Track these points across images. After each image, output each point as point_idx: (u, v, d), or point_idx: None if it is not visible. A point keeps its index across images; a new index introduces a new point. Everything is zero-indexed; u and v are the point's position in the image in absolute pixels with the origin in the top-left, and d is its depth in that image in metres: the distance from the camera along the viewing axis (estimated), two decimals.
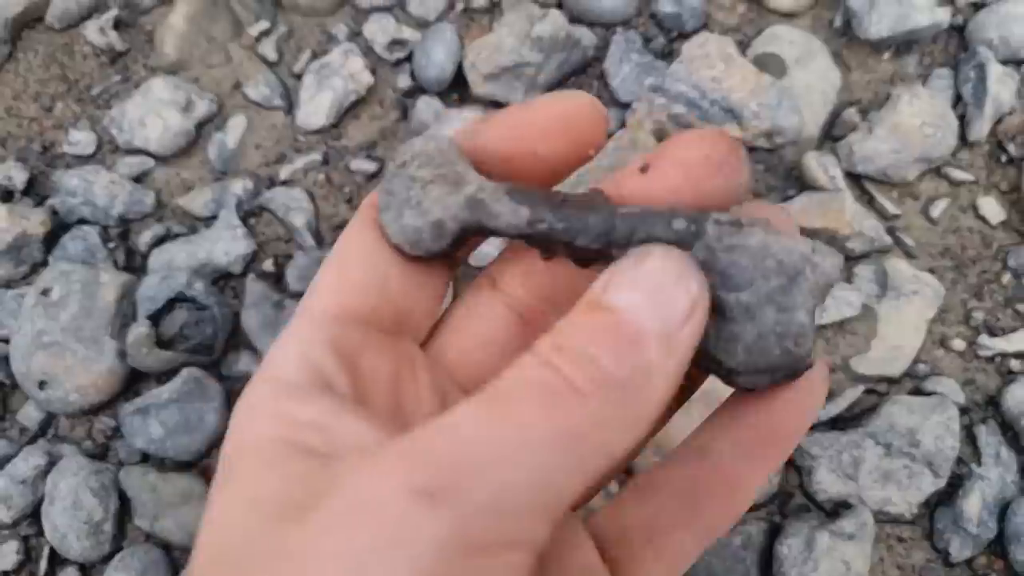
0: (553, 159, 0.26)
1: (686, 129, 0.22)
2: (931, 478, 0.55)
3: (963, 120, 0.64)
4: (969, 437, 0.57)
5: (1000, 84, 0.63)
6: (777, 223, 0.25)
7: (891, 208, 0.62)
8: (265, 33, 0.70)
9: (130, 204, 0.64)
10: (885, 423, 0.55)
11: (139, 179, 0.66)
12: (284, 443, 0.21)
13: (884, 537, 0.56)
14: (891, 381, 0.59)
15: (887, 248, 0.61)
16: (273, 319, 0.61)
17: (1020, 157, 0.63)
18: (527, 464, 0.19)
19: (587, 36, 0.67)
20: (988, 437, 0.57)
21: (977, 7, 0.66)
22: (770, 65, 0.65)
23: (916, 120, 0.61)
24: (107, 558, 0.56)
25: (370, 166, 0.66)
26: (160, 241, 0.64)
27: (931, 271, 0.61)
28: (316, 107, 0.66)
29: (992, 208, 0.62)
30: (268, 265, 0.63)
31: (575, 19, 0.68)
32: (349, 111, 0.67)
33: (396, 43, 0.68)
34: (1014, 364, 0.59)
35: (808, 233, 0.60)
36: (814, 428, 0.57)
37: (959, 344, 0.60)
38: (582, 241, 0.24)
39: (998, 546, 0.55)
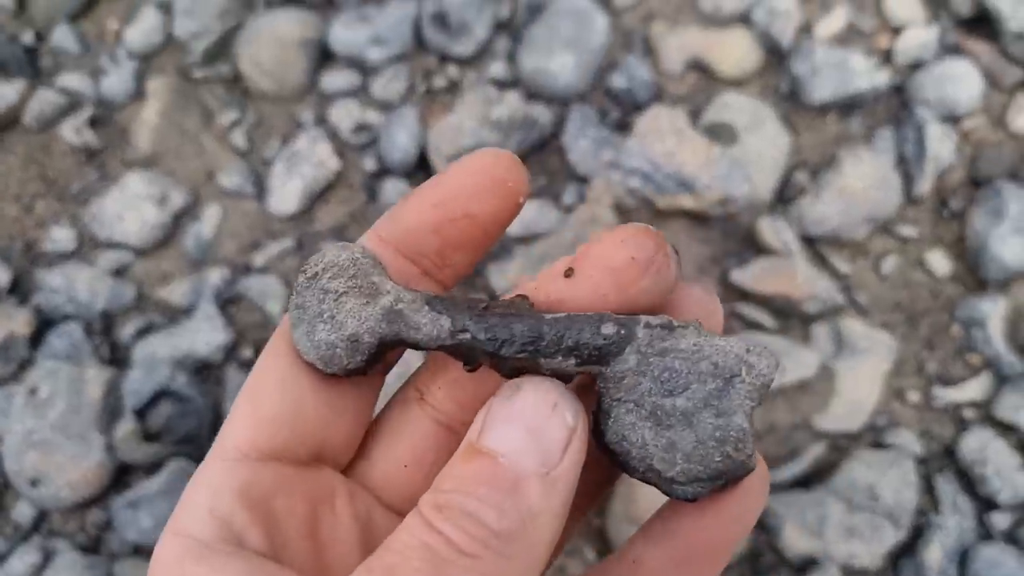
0: (487, 217, 0.25)
1: (610, 230, 0.22)
2: (892, 530, 0.57)
3: (907, 177, 0.67)
4: (928, 486, 0.60)
5: (939, 142, 0.66)
6: (707, 320, 0.24)
7: (843, 267, 0.65)
8: (235, 123, 0.72)
9: (112, 299, 0.67)
10: (846, 479, 0.58)
11: (119, 272, 0.68)
12: None
13: None
14: (851, 436, 0.61)
15: (841, 308, 0.64)
16: None
17: (962, 211, 0.66)
18: None
19: (544, 114, 0.69)
20: (945, 486, 0.59)
21: (914, 68, 0.69)
22: (722, 134, 0.67)
23: (860, 183, 0.64)
24: None
25: None
26: (142, 333, 0.66)
27: (884, 326, 0.64)
28: (287, 194, 0.69)
29: (939, 261, 0.65)
30: (248, 353, 0.65)
31: (532, 95, 0.70)
32: (320, 196, 0.70)
33: (361, 127, 0.71)
34: (967, 413, 0.62)
35: (763, 298, 0.63)
36: (779, 489, 0.59)
37: (914, 396, 0.62)
38: (508, 351, 0.23)
39: None
